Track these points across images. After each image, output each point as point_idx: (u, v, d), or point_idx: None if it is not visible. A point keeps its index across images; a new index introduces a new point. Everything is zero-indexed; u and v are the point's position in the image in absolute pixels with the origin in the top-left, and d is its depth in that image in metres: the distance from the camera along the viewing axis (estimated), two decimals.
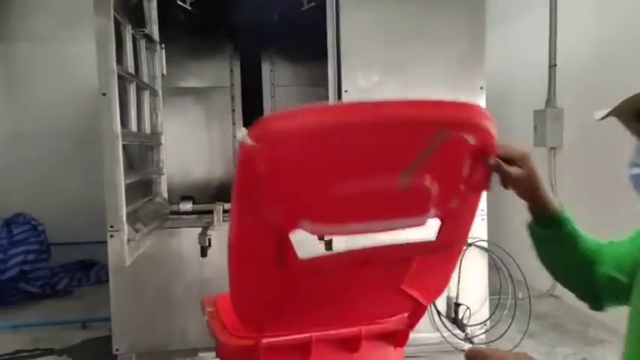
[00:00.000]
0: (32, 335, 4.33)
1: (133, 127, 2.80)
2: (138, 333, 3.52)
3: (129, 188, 2.53)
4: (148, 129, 3.17)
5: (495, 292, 3.97)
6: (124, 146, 2.63)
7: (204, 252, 3.09)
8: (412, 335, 3.89)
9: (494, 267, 3.90)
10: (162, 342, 3.55)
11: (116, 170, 2.37)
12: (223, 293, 2.11)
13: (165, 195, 3.60)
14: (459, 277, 3.77)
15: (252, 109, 4.84)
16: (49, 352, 4.03)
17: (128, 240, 2.41)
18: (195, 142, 4.85)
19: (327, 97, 3.83)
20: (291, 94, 4.90)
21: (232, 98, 4.87)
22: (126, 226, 2.40)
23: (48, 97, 6.10)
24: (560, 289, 4.96)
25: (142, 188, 3.08)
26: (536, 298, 4.21)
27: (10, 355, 3.99)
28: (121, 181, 2.38)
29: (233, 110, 4.89)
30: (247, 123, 4.62)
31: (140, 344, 3.55)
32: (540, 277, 4.96)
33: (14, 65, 6.16)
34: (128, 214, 2.47)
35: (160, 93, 3.46)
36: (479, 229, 3.81)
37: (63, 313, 4.84)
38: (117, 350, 3.52)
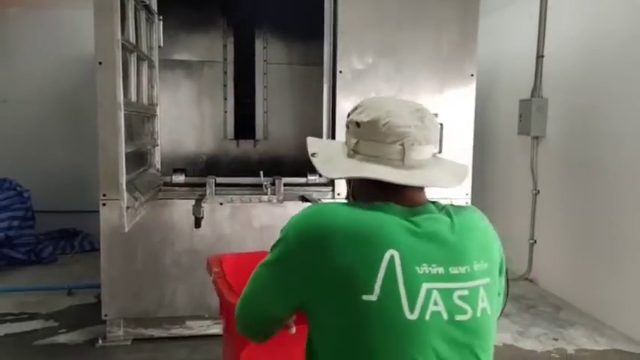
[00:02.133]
0: (18, 300, 4.37)
1: (133, 97, 2.83)
2: (127, 299, 3.58)
3: (127, 158, 2.57)
4: (145, 100, 3.20)
5: None
6: (126, 115, 2.66)
7: (198, 223, 3.15)
8: None
9: None
10: (150, 309, 3.61)
11: (118, 139, 2.41)
12: (228, 253, 2.21)
13: (159, 166, 3.64)
14: None
15: (244, 85, 4.88)
16: (36, 316, 4.08)
17: (127, 207, 2.46)
18: (186, 115, 4.88)
19: (319, 76, 3.90)
20: (283, 72, 4.94)
21: (225, 73, 4.90)
22: (125, 194, 2.45)
23: (35, 62, 6.04)
24: (535, 274, 5.16)
25: (137, 159, 3.11)
26: (511, 281, 4.34)
27: None
28: (122, 150, 2.41)
29: (225, 85, 4.92)
30: (238, 99, 4.64)
31: (129, 310, 3.60)
32: (516, 262, 5.17)
33: (1, 30, 6.06)
34: (127, 183, 2.52)
35: (157, 65, 3.48)
36: None
37: (48, 280, 4.88)
38: (105, 315, 3.58)
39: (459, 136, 3.88)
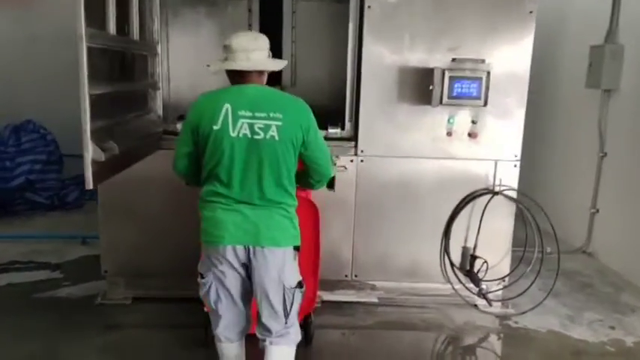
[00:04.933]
0: (31, 247, 4.28)
1: (112, 29, 2.43)
2: (126, 256, 3.40)
3: (101, 101, 2.22)
4: (136, 34, 2.80)
5: (520, 245, 3.62)
6: (99, 51, 2.30)
7: None
8: (420, 285, 3.61)
9: (520, 218, 3.53)
10: (150, 266, 3.42)
11: (80, 78, 2.05)
12: None
13: (160, 112, 3.29)
14: (479, 227, 3.43)
15: (270, 25, 4.44)
16: (43, 266, 3.96)
17: (93, 160, 2.11)
18: (206, 57, 4.49)
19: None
20: (312, 10, 4.51)
21: (249, 11, 4.50)
22: (90, 145, 2.10)
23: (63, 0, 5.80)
24: (595, 246, 4.58)
25: (126, 102, 2.76)
26: (566, 253, 3.85)
27: (4, 265, 3.95)
28: (85, 91, 2.06)
29: (250, 25, 4.52)
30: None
31: (128, 267, 3.43)
32: (573, 232, 4.61)
33: None
34: (96, 130, 2.17)
35: None
36: (510, 176, 3.48)
37: (67, 227, 4.78)
38: (105, 272, 3.42)
39: (510, 87, 3.34)
